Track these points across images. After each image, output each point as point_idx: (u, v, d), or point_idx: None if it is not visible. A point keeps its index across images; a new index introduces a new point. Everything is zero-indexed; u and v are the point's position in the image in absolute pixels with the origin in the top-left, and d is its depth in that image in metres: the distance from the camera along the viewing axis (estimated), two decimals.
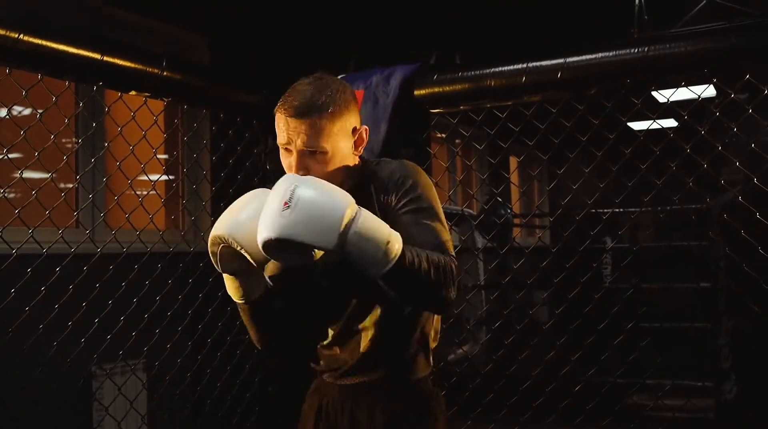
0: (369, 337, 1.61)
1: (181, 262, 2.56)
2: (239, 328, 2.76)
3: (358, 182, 1.58)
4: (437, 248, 1.46)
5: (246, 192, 1.47)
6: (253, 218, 1.35)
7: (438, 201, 1.56)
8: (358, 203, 1.38)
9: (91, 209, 3.39)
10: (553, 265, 2.71)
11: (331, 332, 1.64)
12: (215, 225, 1.42)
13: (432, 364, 1.68)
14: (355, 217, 1.32)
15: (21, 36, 1.81)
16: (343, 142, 1.52)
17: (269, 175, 2.68)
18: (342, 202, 1.32)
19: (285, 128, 1.48)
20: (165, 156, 4.09)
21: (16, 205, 2.05)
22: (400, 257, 1.34)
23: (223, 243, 1.41)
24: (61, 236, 2.13)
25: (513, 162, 7.61)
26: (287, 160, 1.52)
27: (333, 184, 1.43)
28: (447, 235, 1.52)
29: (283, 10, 4.37)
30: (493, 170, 5.43)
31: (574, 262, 2.53)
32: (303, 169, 1.49)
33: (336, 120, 1.49)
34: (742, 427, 3.79)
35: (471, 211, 6.17)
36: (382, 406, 1.61)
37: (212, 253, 1.43)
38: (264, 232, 1.29)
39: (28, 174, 2.15)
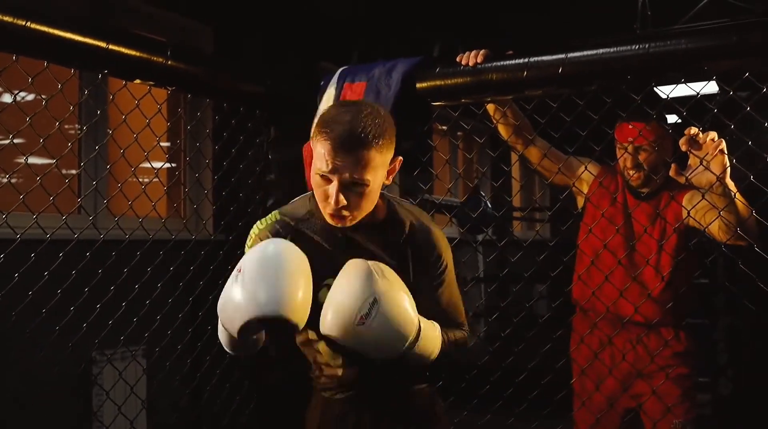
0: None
1: (183, 250, 2.58)
2: None
3: (385, 225, 1.63)
4: (458, 324, 1.70)
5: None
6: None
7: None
8: (391, 254, 1.57)
9: (93, 196, 3.42)
10: (553, 259, 2.73)
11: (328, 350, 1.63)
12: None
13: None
14: (417, 338, 1.47)
15: (28, 23, 1.82)
16: (383, 173, 1.51)
17: (271, 165, 2.69)
18: (410, 326, 1.45)
19: (330, 158, 1.43)
20: (168, 144, 4.12)
21: (20, 190, 2.07)
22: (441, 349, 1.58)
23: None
24: (65, 222, 2.15)
25: (514, 155, 7.60)
26: (322, 188, 1.48)
27: (365, 214, 1.54)
28: (461, 304, 1.73)
29: (289, 1, 4.38)
30: (493, 163, 5.45)
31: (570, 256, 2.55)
32: (343, 200, 1.47)
33: (381, 152, 1.47)
34: (738, 422, 3.82)
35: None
36: (383, 410, 1.66)
37: None
38: (335, 334, 1.43)
39: (33, 160, 2.16)
